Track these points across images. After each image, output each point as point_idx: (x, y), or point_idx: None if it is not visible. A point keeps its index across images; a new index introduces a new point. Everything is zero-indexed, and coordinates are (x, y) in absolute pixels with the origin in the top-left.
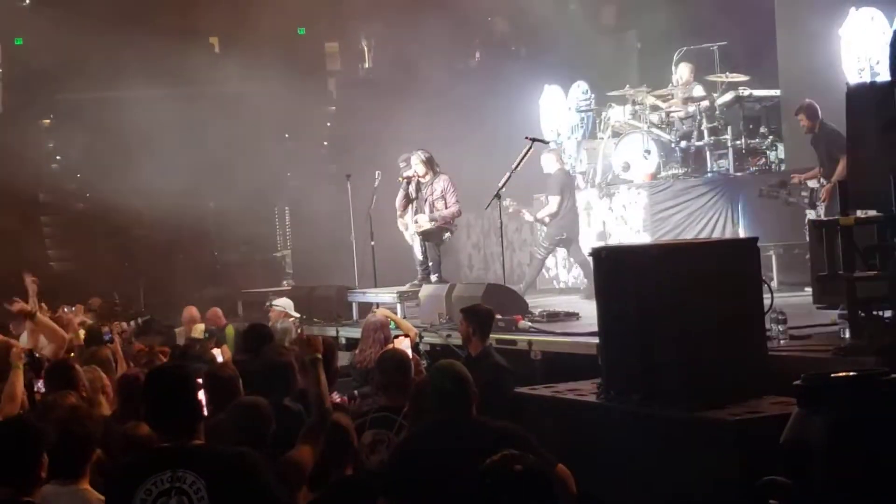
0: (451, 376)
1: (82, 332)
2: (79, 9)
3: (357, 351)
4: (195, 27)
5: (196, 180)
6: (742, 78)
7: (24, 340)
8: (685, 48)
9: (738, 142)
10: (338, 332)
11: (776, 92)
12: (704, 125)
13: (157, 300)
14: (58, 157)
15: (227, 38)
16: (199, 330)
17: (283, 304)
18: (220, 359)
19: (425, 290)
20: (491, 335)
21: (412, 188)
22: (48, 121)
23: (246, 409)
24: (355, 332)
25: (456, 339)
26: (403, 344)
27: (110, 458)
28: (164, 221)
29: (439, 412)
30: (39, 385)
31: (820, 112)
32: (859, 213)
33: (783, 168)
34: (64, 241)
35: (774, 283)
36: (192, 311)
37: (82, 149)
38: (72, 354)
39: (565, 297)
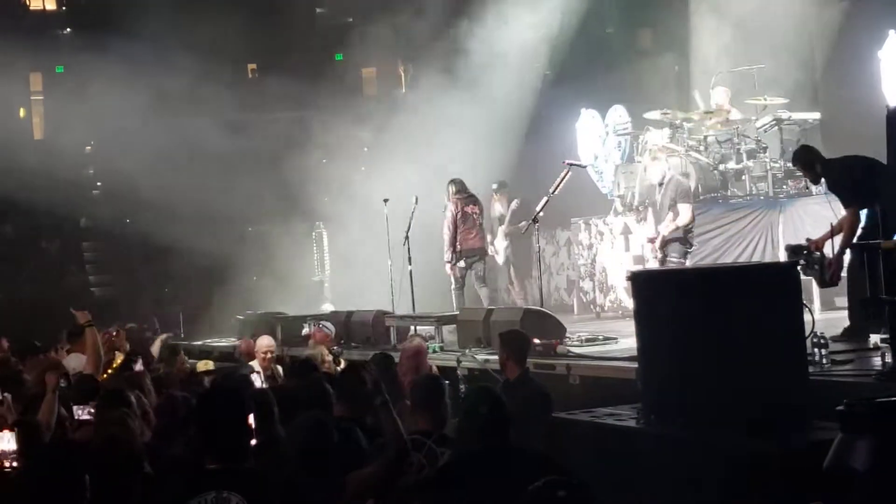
0: (486, 401)
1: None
2: (118, 36)
3: None
4: (234, 53)
5: (235, 205)
6: (781, 100)
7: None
8: (723, 71)
9: (777, 164)
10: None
11: (816, 114)
12: (743, 148)
13: (196, 325)
14: (98, 184)
15: (265, 64)
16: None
17: (331, 328)
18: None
19: (463, 315)
20: (529, 360)
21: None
22: (89, 147)
23: (309, 426)
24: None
25: (494, 364)
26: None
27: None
28: (204, 246)
29: (477, 438)
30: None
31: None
32: None
33: (823, 191)
34: (105, 266)
35: (816, 307)
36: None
37: (122, 175)
38: (108, 372)
39: (605, 321)
